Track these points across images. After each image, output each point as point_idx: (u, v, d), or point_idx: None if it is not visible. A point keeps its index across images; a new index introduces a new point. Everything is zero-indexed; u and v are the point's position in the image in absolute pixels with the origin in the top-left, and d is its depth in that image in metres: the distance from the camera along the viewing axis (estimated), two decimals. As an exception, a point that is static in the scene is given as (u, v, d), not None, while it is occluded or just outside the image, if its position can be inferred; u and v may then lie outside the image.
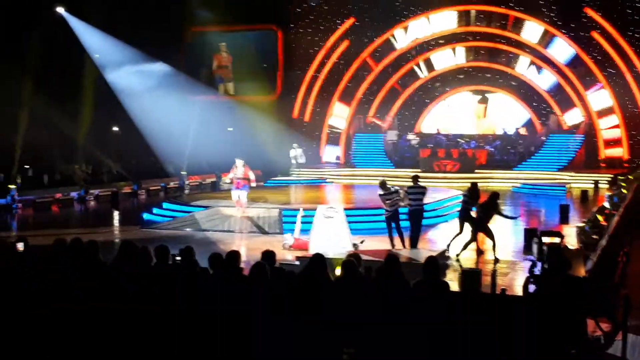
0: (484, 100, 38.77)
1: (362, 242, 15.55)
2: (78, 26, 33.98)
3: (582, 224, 16.55)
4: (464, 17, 37.36)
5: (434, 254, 12.79)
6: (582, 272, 10.81)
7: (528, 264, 13.61)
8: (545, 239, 13.20)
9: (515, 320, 6.63)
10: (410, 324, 6.52)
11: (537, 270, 9.68)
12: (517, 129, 37.04)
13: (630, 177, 28.26)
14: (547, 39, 35.73)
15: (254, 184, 20.69)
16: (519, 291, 11.42)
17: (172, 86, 37.42)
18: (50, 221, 23.48)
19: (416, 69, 38.62)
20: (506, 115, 38.17)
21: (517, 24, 36.21)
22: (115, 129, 38.59)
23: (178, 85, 38.75)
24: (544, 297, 7.35)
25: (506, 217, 16.23)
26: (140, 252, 8.24)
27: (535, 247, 13.97)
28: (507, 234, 19.04)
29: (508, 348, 6.41)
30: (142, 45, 35.19)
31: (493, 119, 38.51)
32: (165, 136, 34.63)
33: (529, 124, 37.36)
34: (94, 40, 34.66)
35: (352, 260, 7.77)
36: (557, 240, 13.92)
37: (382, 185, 15.75)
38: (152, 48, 35.74)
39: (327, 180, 33.56)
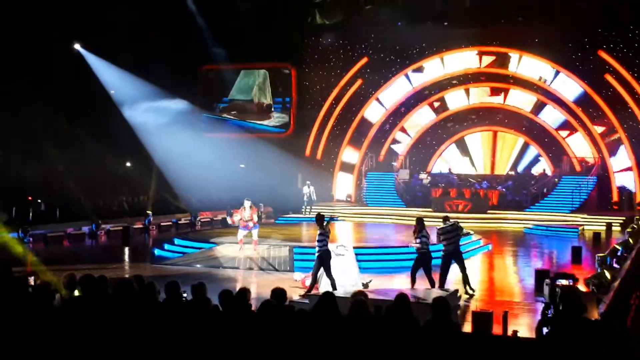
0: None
1: (370, 282, 15.47)
2: (95, 62, 34.41)
3: (595, 267, 16.42)
4: (477, 58, 37.56)
5: (444, 294, 12.75)
6: (595, 315, 10.69)
7: (539, 305, 13.53)
8: (560, 281, 13.13)
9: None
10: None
11: (550, 313, 9.59)
12: (529, 169, 37.04)
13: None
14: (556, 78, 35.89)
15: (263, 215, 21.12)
16: (530, 333, 11.32)
17: (186, 123, 37.75)
18: (61, 256, 23.50)
19: (429, 108, 38.74)
20: (518, 155, 38.11)
21: (527, 65, 36.37)
22: (128, 164, 38.82)
23: (192, 121, 39.11)
24: (557, 340, 7.27)
25: None
26: (146, 287, 8.21)
27: (546, 289, 13.86)
28: (518, 275, 18.96)
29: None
30: (158, 82, 35.55)
31: (504, 159, 38.43)
32: (178, 172, 34.80)
33: (541, 165, 37.29)
34: (110, 77, 35.07)
35: (362, 299, 7.73)
36: (570, 282, 13.83)
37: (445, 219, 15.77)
38: (168, 84, 36.14)
39: (339, 218, 33.54)
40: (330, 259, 14.91)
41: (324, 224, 15.13)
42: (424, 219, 16.29)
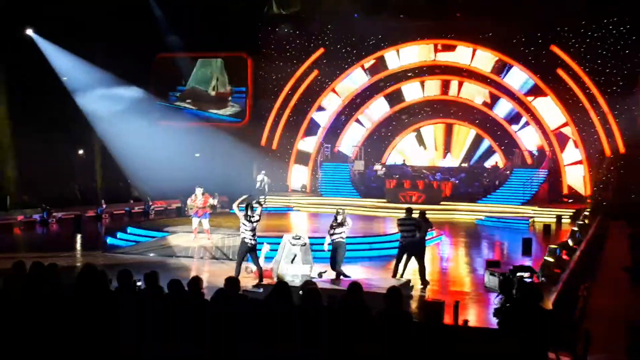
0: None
1: (325, 272, 15.52)
2: (48, 48, 33.77)
3: (545, 258, 16.70)
4: (432, 51, 37.84)
5: (398, 284, 12.86)
6: (548, 305, 10.92)
7: (489, 296, 13.73)
8: (520, 274, 13.42)
9: (477, 353, 6.66)
10: (371, 355, 6.52)
11: (499, 304, 9.75)
12: (482, 162, 37.57)
13: (591, 212, 28.72)
14: (509, 71, 36.38)
15: (217, 204, 20.92)
16: (480, 323, 11.50)
17: (141, 111, 37.34)
18: (11, 244, 23.12)
19: (384, 100, 38.95)
20: (471, 148, 38.57)
21: (480, 59, 36.78)
22: (81, 152, 38.29)
23: (147, 110, 38.69)
24: (512, 329, 7.41)
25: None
26: (98, 276, 8.14)
27: (495, 279, 14.07)
28: (469, 266, 19.19)
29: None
30: (112, 69, 35.07)
31: (458, 152, 38.84)
32: (132, 160, 34.46)
33: (493, 158, 37.80)
34: (63, 63, 34.46)
35: (314, 287, 7.76)
36: (527, 274, 14.10)
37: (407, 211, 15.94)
38: (123, 72, 35.69)
39: (294, 208, 33.62)
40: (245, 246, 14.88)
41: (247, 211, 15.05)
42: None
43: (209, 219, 20.14)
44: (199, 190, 20.09)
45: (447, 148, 38.97)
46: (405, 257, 15.55)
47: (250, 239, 14.65)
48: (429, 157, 39.31)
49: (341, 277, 15.07)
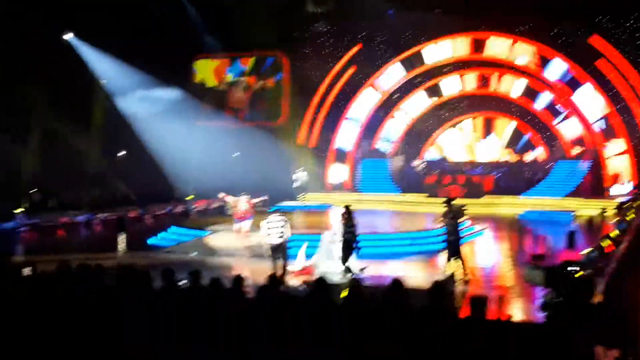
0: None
1: (365, 268, 15.49)
2: (87, 52, 34.21)
3: (590, 250, 16.44)
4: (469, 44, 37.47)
5: (441, 279, 12.77)
6: (597, 299, 10.73)
7: (531, 290, 13.56)
8: (570, 268, 13.17)
9: (523, 348, 6.58)
10: (414, 351, 6.47)
11: (547, 298, 9.59)
12: (523, 155, 37.14)
13: (637, 203, 28.16)
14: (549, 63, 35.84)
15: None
16: (524, 317, 11.36)
17: (180, 112, 37.63)
18: (55, 245, 23.45)
19: (424, 94, 38.71)
20: (512, 141, 38.16)
21: (519, 51, 36.32)
22: (123, 153, 38.71)
23: (186, 110, 38.98)
24: (561, 324, 7.30)
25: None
26: (142, 275, 8.21)
27: (539, 273, 13.87)
28: (511, 260, 18.98)
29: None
30: (152, 71, 35.40)
31: (498, 145, 38.45)
32: (173, 161, 34.76)
33: (535, 151, 37.34)
34: (103, 66, 34.89)
35: (359, 284, 7.73)
36: (576, 268, 13.83)
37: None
38: (161, 73, 35.98)
39: (333, 205, 33.57)
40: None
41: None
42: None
43: (251, 221, 20.18)
44: (244, 197, 20.30)
45: (487, 142, 38.59)
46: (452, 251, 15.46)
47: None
48: (467, 141, 38.85)
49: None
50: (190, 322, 7.05)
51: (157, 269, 8.63)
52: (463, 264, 15.28)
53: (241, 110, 40.94)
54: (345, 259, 15.53)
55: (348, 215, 15.92)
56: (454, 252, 15.31)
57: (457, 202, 17.32)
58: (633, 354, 7.71)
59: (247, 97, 40.99)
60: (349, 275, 14.81)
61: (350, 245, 15.61)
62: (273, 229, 15.43)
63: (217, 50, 39.28)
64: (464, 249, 15.53)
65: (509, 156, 37.61)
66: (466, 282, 14.89)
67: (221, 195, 21.27)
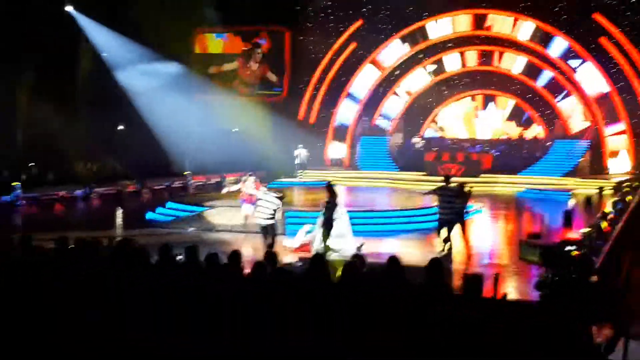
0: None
1: (362, 245, 15.52)
2: (87, 24, 34.03)
3: (587, 230, 16.48)
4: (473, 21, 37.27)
5: (438, 256, 12.81)
6: (594, 278, 10.77)
7: (527, 268, 13.60)
8: (566, 247, 13.20)
9: (518, 326, 6.61)
10: (411, 326, 6.50)
11: (543, 277, 9.63)
12: (523, 133, 37.11)
13: (635, 183, 28.19)
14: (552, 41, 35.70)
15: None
16: (519, 296, 11.42)
17: (180, 85, 37.48)
18: (53, 220, 23.48)
19: (424, 71, 38.57)
20: (511, 118, 38.12)
21: (521, 28, 36.17)
22: (121, 127, 38.63)
23: (186, 84, 38.83)
24: (558, 302, 7.34)
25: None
26: (138, 250, 8.24)
27: (535, 251, 13.92)
28: (508, 238, 19.04)
29: (511, 354, 6.37)
30: (152, 44, 35.23)
31: (498, 123, 38.40)
32: (171, 136, 34.69)
33: (534, 129, 37.31)
34: (103, 39, 34.73)
35: (355, 262, 7.76)
36: (574, 247, 13.85)
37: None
38: (162, 47, 35.81)
39: (332, 182, 33.49)
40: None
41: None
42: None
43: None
44: (251, 178, 19.22)
45: (487, 120, 38.53)
46: (446, 229, 15.49)
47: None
48: (466, 118, 38.77)
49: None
50: (185, 297, 7.07)
51: (154, 244, 8.64)
52: (450, 242, 15.35)
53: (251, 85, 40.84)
54: (325, 237, 15.31)
55: (330, 193, 15.60)
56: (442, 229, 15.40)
57: (457, 180, 17.34)
58: (625, 331, 7.75)
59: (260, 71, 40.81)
60: (331, 254, 14.57)
61: (330, 223, 15.37)
62: (263, 210, 15.28)
63: (218, 24, 39.00)
64: (458, 228, 15.56)
65: (510, 131, 37.55)
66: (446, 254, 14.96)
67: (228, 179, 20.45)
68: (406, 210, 21.42)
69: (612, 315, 8.33)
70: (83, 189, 29.17)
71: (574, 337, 6.79)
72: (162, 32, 33.20)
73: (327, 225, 15.31)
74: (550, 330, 6.62)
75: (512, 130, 37.57)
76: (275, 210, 15.17)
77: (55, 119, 29.64)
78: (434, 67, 38.24)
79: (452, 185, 15.88)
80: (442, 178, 16.63)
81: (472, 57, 37.88)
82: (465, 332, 6.41)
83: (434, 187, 16.01)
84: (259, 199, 15.25)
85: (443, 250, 15.23)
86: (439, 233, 15.51)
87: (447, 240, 15.39)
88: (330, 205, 15.41)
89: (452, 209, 15.39)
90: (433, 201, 16.20)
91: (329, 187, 15.88)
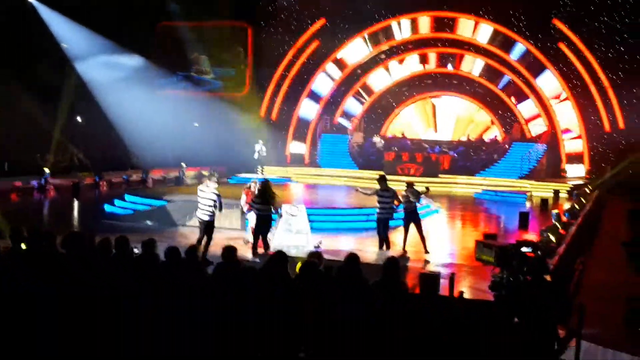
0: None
1: (320, 243, 15.55)
2: (48, 15, 33.53)
3: (543, 232, 16.74)
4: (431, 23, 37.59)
5: (396, 255, 12.92)
6: (547, 279, 10.97)
7: (483, 268, 13.77)
8: (524, 249, 13.38)
9: (475, 323, 6.70)
10: (367, 324, 6.55)
11: (497, 277, 9.77)
12: (481, 135, 37.55)
13: (589, 187, 28.74)
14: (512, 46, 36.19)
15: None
16: (475, 295, 11.56)
17: (141, 79, 37.15)
18: (8, 210, 23.08)
19: (385, 71, 38.81)
20: (470, 121, 38.57)
21: (482, 32, 36.60)
22: (79, 119, 38.15)
23: (147, 78, 38.51)
24: (514, 302, 7.45)
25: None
26: (100, 243, 8.16)
27: (490, 252, 14.10)
28: (465, 238, 19.23)
29: (467, 351, 6.46)
30: (115, 37, 34.87)
31: (456, 125, 38.81)
32: (131, 129, 34.37)
33: (492, 131, 37.79)
34: (64, 30, 34.24)
35: (313, 261, 7.79)
36: (529, 249, 14.06)
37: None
38: (124, 40, 35.48)
39: (292, 178, 33.56)
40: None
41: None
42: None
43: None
44: (254, 185, 16.19)
45: (445, 121, 38.92)
46: (403, 229, 15.69)
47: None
48: (428, 130, 39.14)
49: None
50: (143, 290, 7.04)
51: (111, 237, 8.55)
52: (404, 241, 15.55)
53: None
54: (259, 234, 14.83)
55: (263, 189, 15.03)
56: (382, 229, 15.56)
57: (412, 180, 17.46)
58: (578, 332, 7.91)
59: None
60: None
61: (267, 220, 14.95)
62: (203, 204, 14.20)
63: (180, 19, 38.70)
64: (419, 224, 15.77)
65: (468, 134, 37.98)
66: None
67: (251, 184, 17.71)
68: (365, 208, 21.48)
69: (564, 317, 8.51)
70: (39, 179, 28.72)
71: (526, 336, 6.93)
72: (124, 25, 32.94)
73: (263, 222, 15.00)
74: (502, 329, 6.74)
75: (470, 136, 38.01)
76: (213, 206, 14.15)
77: (12, 109, 29.18)
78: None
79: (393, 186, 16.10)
80: (399, 178, 16.74)
81: (432, 59, 38.19)
82: (425, 330, 6.49)
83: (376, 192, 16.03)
84: (201, 191, 14.31)
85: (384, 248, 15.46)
86: (380, 233, 15.71)
87: (384, 239, 15.56)
88: (265, 202, 15.02)
89: (385, 208, 15.60)
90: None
91: (264, 184, 15.39)
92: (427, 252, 15.52)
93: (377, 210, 15.75)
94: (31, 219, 19.14)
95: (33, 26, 32.23)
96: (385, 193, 15.67)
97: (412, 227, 15.86)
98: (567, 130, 35.56)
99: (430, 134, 39.07)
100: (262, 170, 33.44)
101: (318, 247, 15.18)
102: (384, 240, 15.60)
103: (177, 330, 6.62)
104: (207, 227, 14.14)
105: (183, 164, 33.56)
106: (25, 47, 31.58)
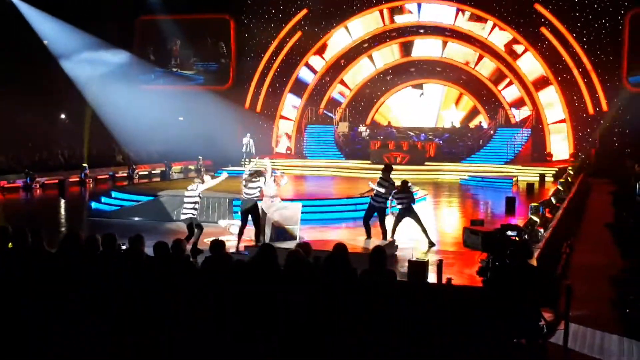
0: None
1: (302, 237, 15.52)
2: (29, 13, 33.31)
3: (528, 216, 16.81)
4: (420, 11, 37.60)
5: (383, 244, 12.94)
6: (533, 262, 11.03)
7: (471, 254, 13.83)
8: (509, 233, 13.41)
9: (463, 309, 6.74)
10: (356, 313, 6.58)
11: (484, 263, 9.81)
12: (466, 122, 37.66)
13: (573, 171, 28.89)
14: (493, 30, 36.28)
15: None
16: (463, 281, 11.62)
17: (125, 74, 37.02)
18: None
19: (368, 61, 38.81)
20: (456, 108, 38.66)
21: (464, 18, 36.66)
22: (63, 116, 38.00)
23: (131, 73, 38.36)
24: (501, 287, 7.49)
25: None
26: (87, 240, 8.12)
27: (477, 238, 14.13)
28: (452, 225, 19.32)
29: (457, 337, 6.50)
30: (98, 32, 34.70)
31: (442, 112, 38.89)
32: (116, 124, 34.28)
33: (477, 118, 37.90)
34: (47, 27, 34.05)
35: (298, 250, 7.79)
36: (514, 233, 14.09)
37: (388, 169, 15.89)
38: (107, 35, 35.33)
39: (278, 171, 33.47)
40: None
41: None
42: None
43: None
44: (270, 178, 15.81)
45: (431, 108, 38.98)
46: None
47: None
48: (413, 118, 39.16)
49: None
50: (131, 286, 7.05)
51: (99, 233, 8.53)
52: (383, 230, 15.52)
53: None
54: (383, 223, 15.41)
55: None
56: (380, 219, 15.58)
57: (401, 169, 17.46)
58: (565, 315, 7.98)
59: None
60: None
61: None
62: (186, 203, 14.27)
63: (161, 12, 38.49)
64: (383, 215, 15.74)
65: (454, 121, 38.06)
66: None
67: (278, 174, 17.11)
68: (352, 198, 21.52)
69: (552, 299, 8.58)
70: (24, 178, 28.57)
71: (514, 321, 6.98)
72: (105, 20, 32.80)
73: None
74: (492, 314, 6.79)
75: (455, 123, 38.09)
76: (196, 202, 14.22)
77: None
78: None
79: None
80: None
81: (418, 46, 38.20)
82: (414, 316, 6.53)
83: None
84: (187, 190, 14.35)
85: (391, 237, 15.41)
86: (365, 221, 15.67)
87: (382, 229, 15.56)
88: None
89: (381, 197, 15.60)
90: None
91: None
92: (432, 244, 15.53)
93: (374, 198, 15.71)
94: (19, 218, 19.08)
95: (14, 23, 32.03)
96: (384, 182, 15.65)
97: (408, 219, 15.79)
98: (551, 115, 35.72)
99: (415, 122, 39.09)
100: (248, 163, 33.38)
101: (303, 237, 15.16)
102: (383, 231, 15.52)
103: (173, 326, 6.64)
104: (190, 226, 14.25)
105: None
106: (6, 44, 31.39)
